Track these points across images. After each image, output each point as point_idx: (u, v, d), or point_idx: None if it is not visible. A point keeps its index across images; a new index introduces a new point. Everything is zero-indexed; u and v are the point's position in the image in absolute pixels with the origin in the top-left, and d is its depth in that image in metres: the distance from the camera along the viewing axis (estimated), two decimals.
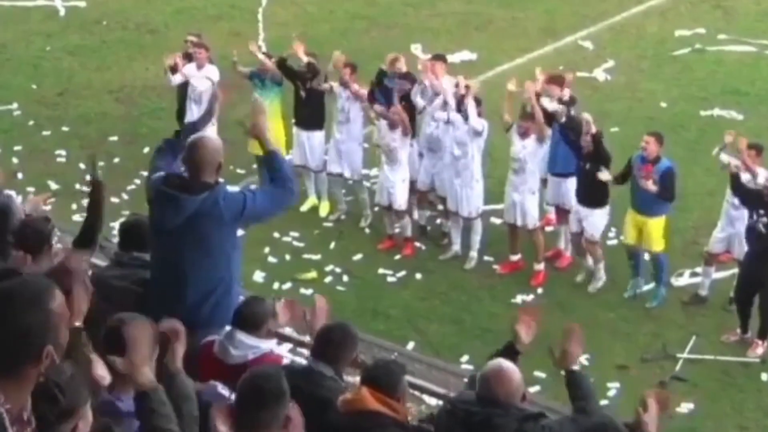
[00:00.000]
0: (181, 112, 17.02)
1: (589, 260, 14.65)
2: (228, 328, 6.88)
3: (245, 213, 7.05)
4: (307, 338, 8.27)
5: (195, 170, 7.04)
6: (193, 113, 16.70)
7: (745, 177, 13.27)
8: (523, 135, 14.48)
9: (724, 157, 13.64)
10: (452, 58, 18.56)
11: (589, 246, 14.52)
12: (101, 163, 17.13)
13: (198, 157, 7.03)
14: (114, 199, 16.23)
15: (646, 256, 14.38)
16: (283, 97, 16.64)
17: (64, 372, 4.15)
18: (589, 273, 14.68)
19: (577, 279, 14.72)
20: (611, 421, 6.29)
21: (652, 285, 14.34)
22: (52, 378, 4.00)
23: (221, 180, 7.22)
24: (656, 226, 14.01)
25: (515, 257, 15.02)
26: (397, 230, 15.62)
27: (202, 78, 16.61)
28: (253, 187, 15.83)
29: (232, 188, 7.47)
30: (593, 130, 13.94)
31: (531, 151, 14.51)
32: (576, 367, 6.51)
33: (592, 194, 14.27)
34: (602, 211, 14.39)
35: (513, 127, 14.61)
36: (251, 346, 6.64)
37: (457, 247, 15.32)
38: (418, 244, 15.57)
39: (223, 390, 5.82)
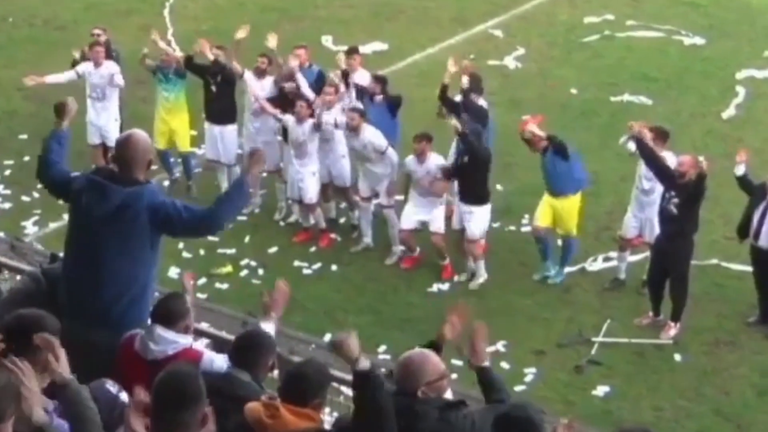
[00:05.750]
0: None
1: (470, 259, 14.64)
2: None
3: (159, 220, 7.00)
4: (223, 333, 8.24)
5: (125, 166, 7.10)
6: (97, 111, 16.59)
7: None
8: (420, 155, 14.44)
9: (631, 145, 13.79)
10: (364, 49, 18.59)
11: (469, 245, 14.49)
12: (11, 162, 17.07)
13: (129, 154, 7.11)
14: (25, 198, 16.06)
15: (559, 242, 14.54)
16: (188, 91, 16.50)
17: None
18: (470, 272, 14.65)
19: (461, 278, 14.63)
20: (526, 403, 6.36)
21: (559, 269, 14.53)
22: None
23: (151, 180, 7.24)
24: (571, 206, 14.20)
25: (414, 253, 14.98)
26: (312, 222, 15.58)
27: (99, 75, 16.50)
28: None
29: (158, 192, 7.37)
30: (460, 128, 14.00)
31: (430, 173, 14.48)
32: (486, 364, 6.54)
33: (472, 191, 14.35)
34: (484, 209, 14.41)
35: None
36: (170, 341, 6.62)
37: (368, 239, 15.31)
38: (333, 235, 15.56)
39: (111, 387, 5.73)
